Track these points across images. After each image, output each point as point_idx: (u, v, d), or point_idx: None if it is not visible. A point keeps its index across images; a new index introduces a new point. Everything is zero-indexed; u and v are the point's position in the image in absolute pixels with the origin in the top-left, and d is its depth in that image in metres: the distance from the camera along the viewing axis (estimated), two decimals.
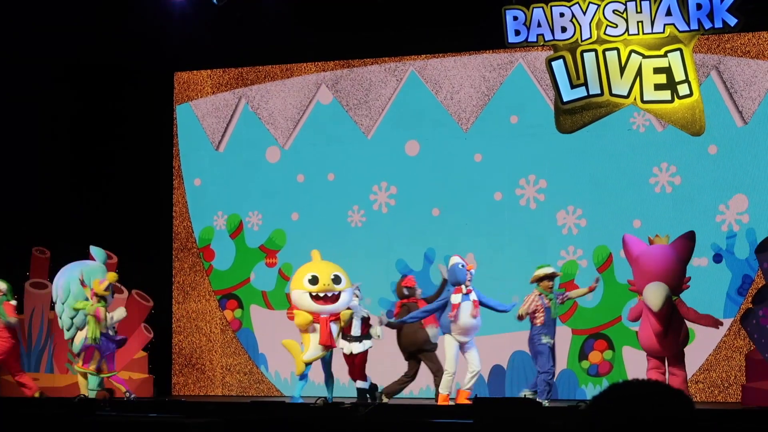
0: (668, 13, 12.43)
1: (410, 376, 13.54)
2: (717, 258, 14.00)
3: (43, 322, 14.49)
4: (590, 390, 14.31)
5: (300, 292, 13.33)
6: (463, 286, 12.71)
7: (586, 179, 14.61)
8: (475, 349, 12.83)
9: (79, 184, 16.49)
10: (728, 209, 14.04)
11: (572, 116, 12.94)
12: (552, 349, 12.53)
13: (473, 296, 12.74)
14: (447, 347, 12.85)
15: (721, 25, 12.36)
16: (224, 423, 11.28)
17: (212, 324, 15.96)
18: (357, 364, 13.51)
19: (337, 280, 13.26)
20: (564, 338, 14.48)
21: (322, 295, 13.20)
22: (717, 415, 11.00)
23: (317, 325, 13.21)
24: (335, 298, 13.23)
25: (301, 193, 15.74)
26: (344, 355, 13.55)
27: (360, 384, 13.57)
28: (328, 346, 13.30)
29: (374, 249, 15.34)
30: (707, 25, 12.36)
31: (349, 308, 13.33)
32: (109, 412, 11.79)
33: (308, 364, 13.46)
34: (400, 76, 15.48)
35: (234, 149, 16.10)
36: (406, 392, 14.78)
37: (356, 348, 13.48)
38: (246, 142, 16.03)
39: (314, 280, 13.25)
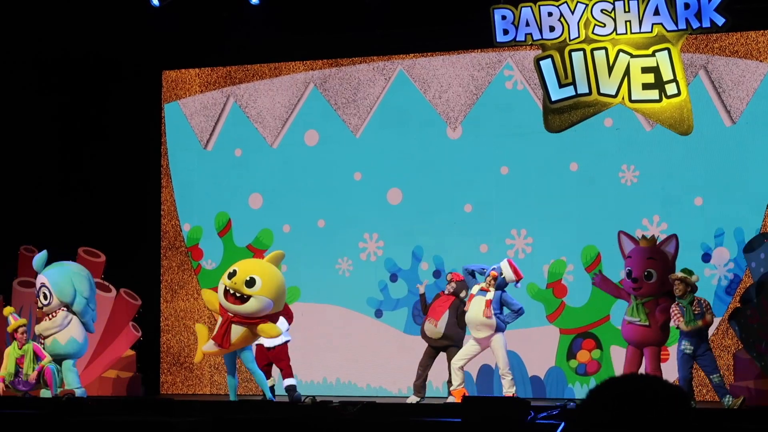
0: (656, 12, 12.44)
1: (424, 367, 13.42)
2: (705, 257, 14.03)
3: (30, 321, 14.45)
4: (578, 389, 14.33)
5: (220, 281, 12.72)
6: (484, 283, 12.93)
7: (574, 178, 14.62)
8: (499, 349, 12.92)
9: (67, 182, 16.47)
10: (716, 208, 14.07)
11: (560, 115, 12.94)
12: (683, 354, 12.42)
13: (489, 295, 12.79)
14: (493, 347, 12.95)
15: (709, 25, 12.37)
16: (212, 422, 11.28)
17: (200, 323, 15.93)
18: (281, 358, 13.43)
19: (250, 282, 12.38)
20: (552, 337, 14.51)
21: (231, 291, 12.49)
22: (704, 414, 11.02)
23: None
24: (242, 299, 12.39)
25: (289, 193, 15.71)
26: (263, 348, 13.46)
27: (289, 381, 13.43)
28: (224, 347, 12.63)
29: (355, 246, 15.34)
30: (695, 24, 12.37)
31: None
32: (96, 411, 11.76)
33: (206, 356, 13.23)
34: (388, 75, 15.48)
35: (222, 148, 16.08)
36: (394, 390, 14.82)
37: (266, 342, 13.34)
38: (234, 140, 16.02)
39: (232, 274, 12.51)
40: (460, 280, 13.31)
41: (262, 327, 12.49)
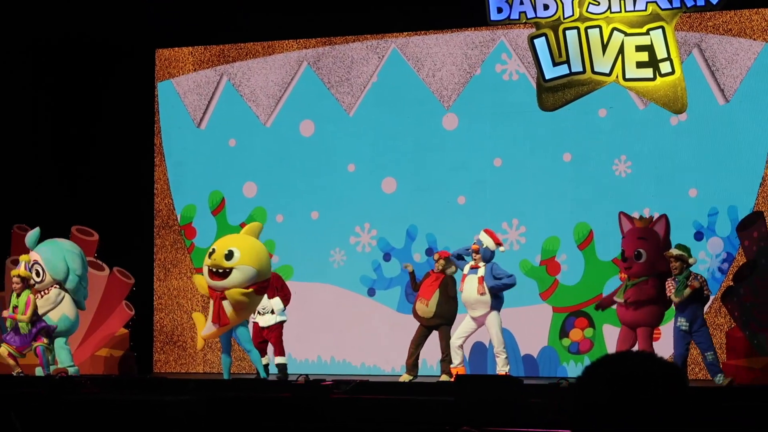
0: None
1: (416, 345, 13.41)
2: (698, 236, 14.03)
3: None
4: (571, 368, 14.35)
5: (204, 263, 12.91)
6: (472, 261, 13.01)
7: (568, 164, 14.61)
8: (493, 327, 12.95)
9: (61, 161, 16.45)
10: (709, 186, 14.08)
11: (554, 94, 12.93)
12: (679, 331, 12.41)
13: (480, 272, 12.84)
14: (488, 326, 12.98)
15: (703, 3, 12.36)
16: (206, 400, 11.29)
17: (194, 301, 15.94)
18: (274, 336, 13.46)
19: (229, 255, 12.52)
20: (545, 316, 14.53)
21: (214, 269, 12.62)
22: (697, 393, 11.04)
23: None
24: (225, 274, 12.52)
25: (283, 179, 15.70)
26: (258, 326, 13.53)
27: (281, 359, 13.47)
28: (222, 324, 12.73)
29: (350, 230, 15.34)
30: (689, 3, 12.36)
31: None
32: (91, 390, 11.77)
33: (207, 339, 13.27)
34: (381, 53, 15.45)
35: (215, 127, 16.05)
36: (388, 369, 14.83)
37: (262, 321, 13.44)
38: (227, 119, 15.99)
39: (211, 253, 12.69)
40: (446, 257, 13.33)
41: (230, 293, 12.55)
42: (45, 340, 13.50)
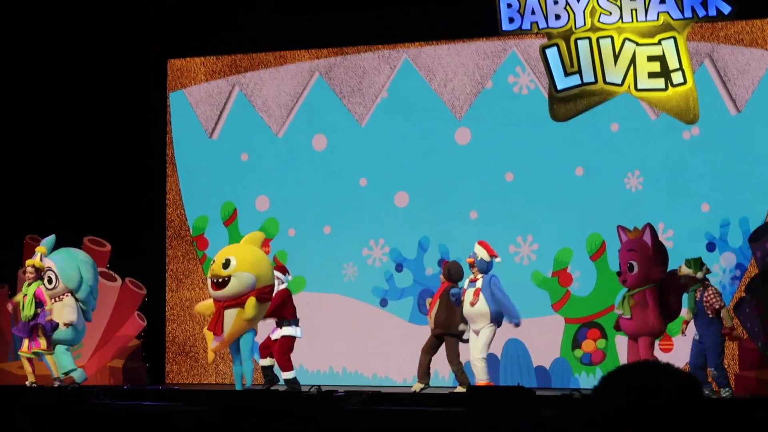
0: (662, 0, 12.43)
1: (426, 352, 13.36)
2: (710, 247, 14.00)
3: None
4: (583, 379, 14.32)
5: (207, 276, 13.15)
6: (471, 275, 12.95)
7: (579, 161, 14.60)
8: (483, 337, 12.85)
9: (73, 171, 16.47)
10: (721, 197, 14.05)
11: (566, 104, 12.93)
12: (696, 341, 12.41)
13: (478, 284, 12.81)
14: (481, 335, 12.93)
15: (714, 13, 12.35)
16: (218, 411, 11.29)
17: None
18: (276, 351, 13.42)
19: (226, 264, 12.71)
20: (557, 327, 14.50)
21: (214, 280, 12.77)
22: (711, 405, 11.01)
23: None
24: (224, 283, 12.68)
25: (295, 192, 15.70)
26: (269, 338, 13.52)
27: (286, 375, 13.39)
28: (216, 334, 12.81)
29: (366, 235, 15.33)
30: (701, 13, 12.36)
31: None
32: (103, 400, 11.78)
33: (216, 352, 13.27)
34: (393, 63, 15.46)
35: (227, 137, 16.07)
36: (399, 380, 14.82)
37: (274, 334, 13.43)
38: (239, 130, 16.00)
39: (212, 264, 12.91)
40: (448, 263, 13.40)
41: (247, 304, 12.67)
42: (42, 344, 13.50)
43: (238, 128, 16.01)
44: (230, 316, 12.72)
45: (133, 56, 16.16)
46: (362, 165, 15.46)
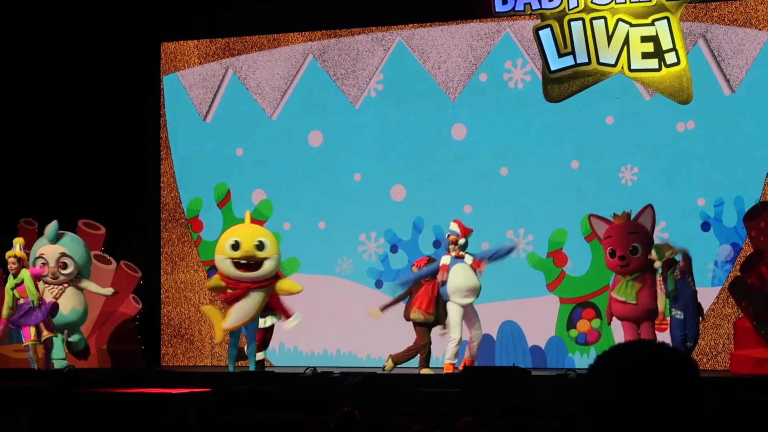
0: None
1: (421, 346, 13.36)
2: (705, 226, 14.02)
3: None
4: (578, 359, 14.34)
5: (222, 257, 12.97)
6: (452, 252, 12.81)
7: (573, 148, 14.60)
8: (472, 315, 12.85)
9: (67, 155, 16.45)
10: (715, 177, 14.06)
11: (560, 85, 12.94)
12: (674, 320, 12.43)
13: (468, 259, 12.76)
14: (450, 314, 12.86)
15: None
16: (213, 393, 11.31)
17: (201, 295, 15.95)
18: (262, 337, 13.59)
19: (260, 246, 12.79)
20: (552, 307, 14.51)
21: (243, 262, 12.79)
22: (707, 385, 11.03)
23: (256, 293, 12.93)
24: (257, 265, 12.78)
25: (290, 164, 15.69)
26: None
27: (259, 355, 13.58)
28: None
29: (361, 218, 15.33)
30: None
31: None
32: (97, 384, 11.79)
33: (228, 331, 13.27)
34: (387, 45, 15.43)
35: (221, 120, 16.05)
36: None
37: (261, 323, 13.57)
38: (233, 112, 15.99)
39: (236, 246, 12.79)
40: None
41: (281, 285, 13.02)
42: (51, 327, 13.51)
43: (232, 111, 15.99)
44: (257, 297, 12.81)
45: (126, 40, 16.11)
46: (357, 156, 15.38)
